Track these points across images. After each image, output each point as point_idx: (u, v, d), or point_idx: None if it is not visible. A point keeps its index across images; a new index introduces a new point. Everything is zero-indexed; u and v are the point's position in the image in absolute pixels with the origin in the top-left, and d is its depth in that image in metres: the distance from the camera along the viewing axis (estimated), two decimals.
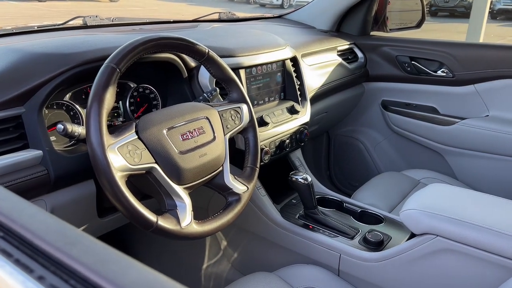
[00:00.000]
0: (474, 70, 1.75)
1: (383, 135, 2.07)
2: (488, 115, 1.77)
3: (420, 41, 1.89)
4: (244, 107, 1.09)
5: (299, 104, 1.45)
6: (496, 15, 14.16)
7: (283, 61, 1.44)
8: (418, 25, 2.09)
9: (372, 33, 2.04)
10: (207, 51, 1.02)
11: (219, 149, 1.00)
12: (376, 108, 2.05)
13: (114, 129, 0.86)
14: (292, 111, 1.42)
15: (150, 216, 0.83)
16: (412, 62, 1.89)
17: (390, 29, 2.02)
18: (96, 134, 0.79)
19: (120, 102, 1.11)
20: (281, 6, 18.35)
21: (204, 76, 1.18)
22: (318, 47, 1.73)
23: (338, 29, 2.03)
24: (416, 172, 1.77)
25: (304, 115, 1.46)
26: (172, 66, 1.15)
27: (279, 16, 2.15)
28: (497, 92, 1.73)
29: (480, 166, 1.79)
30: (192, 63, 1.19)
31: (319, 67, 1.70)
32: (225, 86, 1.09)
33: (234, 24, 1.89)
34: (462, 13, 14.15)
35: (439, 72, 1.84)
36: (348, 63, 1.88)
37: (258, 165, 1.09)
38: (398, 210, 1.50)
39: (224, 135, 1.03)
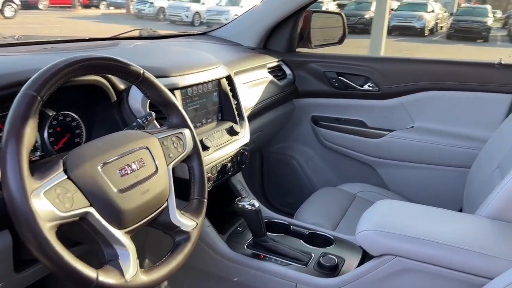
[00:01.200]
0: (398, 83, 1.82)
1: (315, 150, 2.07)
2: (413, 126, 1.84)
3: (346, 57, 1.92)
4: (187, 132, 0.98)
5: (238, 125, 1.38)
6: (391, 31, 15.49)
7: (219, 80, 1.36)
8: (340, 41, 2.14)
9: (298, 49, 2.04)
10: (142, 72, 0.90)
11: (163, 182, 0.88)
12: (306, 124, 2.05)
13: (34, 168, 0.71)
14: (232, 132, 1.34)
15: (89, 272, 0.68)
16: (339, 77, 1.92)
17: (314, 46, 2.04)
18: (16, 178, 0.63)
19: (37, 133, 0.94)
20: (192, 24, 18.34)
21: (135, 100, 1.06)
22: (249, 64, 1.68)
23: (265, 46, 2.00)
24: (351, 186, 1.78)
25: (244, 135, 1.39)
26: (97, 89, 1.01)
27: (204, 33, 2.07)
28: (420, 104, 1.81)
29: (409, 176, 1.85)
30: (121, 85, 1.06)
31: (252, 85, 1.64)
32: (163, 110, 0.98)
33: (157, 41, 1.77)
34: (362, 30, 15.29)
35: (366, 87, 1.89)
36: (278, 80, 1.86)
37: (206, 196, 0.99)
38: (342, 227, 1.48)
39: (167, 166, 0.91)
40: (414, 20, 16.87)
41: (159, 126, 1.08)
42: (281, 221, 1.36)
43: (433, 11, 18.41)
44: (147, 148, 0.87)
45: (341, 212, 1.57)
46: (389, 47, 9.48)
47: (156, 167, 0.87)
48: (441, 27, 20.06)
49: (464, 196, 1.59)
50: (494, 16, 19.59)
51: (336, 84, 1.93)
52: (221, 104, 1.38)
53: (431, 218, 1.08)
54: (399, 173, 1.87)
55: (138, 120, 0.99)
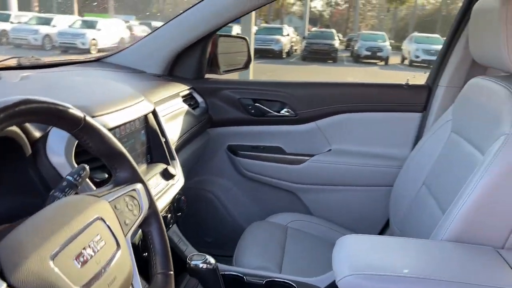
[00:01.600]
0: (314, 107, 1.80)
1: (234, 182, 1.94)
2: (330, 149, 1.84)
3: (261, 83, 1.85)
4: (140, 187, 0.77)
5: (171, 166, 1.18)
6: (253, 54, 16.28)
7: (145, 115, 1.15)
8: (246, 66, 2.06)
9: (206, 76, 1.90)
10: (83, 116, 0.67)
11: (127, 261, 0.66)
12: (222, 154, 1.91)
13: None
14: (167, 176, 1.13)
15: None
16: (256, 104, 1.83)
17: (223, 71, 1.93)
18: None
19: None
20: (42, 47, 16.78)
21: (57, 151, 0.81)
22: (163, 93, 1.48)
23: (170, 72, 1.81)
24: (279, 217, 1.69)
25: (179, 178, 1.19)
26: (3, 141, 0.74)
27: (97, 60, 1.79)
28: (335, 126, 1.82)
29: (333, 199, 1.84)
30: (36, 133, 0.80)
31: (172, 117, 1.45)
32: (108, 163, 0.75)
33: (45, 71, 1.46)
34: None
35: (283, 112, 1.83)
36: (192, 109, 1.69)
37: (172, 268, 0.78)
38: (287, 266, 1.38)
39: (125, 236, 0.69)
40: (273, 43, 18.02)
41: (92, 185, 0.84)
42: (232, 273, 1.19)
43: (288, 34, 19.94)
44: (101, 219, 0.64)
45: (281, 249, 1.46)
46: (254, 70, 9.93)
47: (117, 242, 0.65)
48: (296, 49, 21.84)
49: (391, 214, 1.63)
50: (339, 39, 22.12)
51: (253, 111, 1.83)
52: (149, 143, 1.17)
53: (403, 250, 1.03)
54: (322, 197, 1.85)
55: (68, 177, 0.74)
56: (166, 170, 1.14)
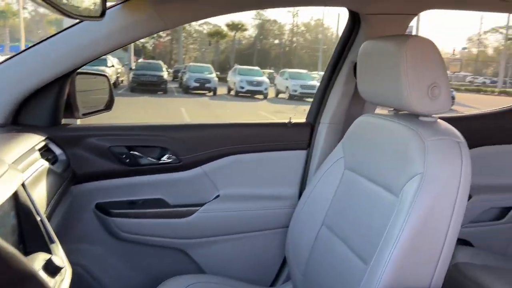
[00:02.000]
0: (198, 152, 1.63)
1: (108, 248, 1.60)
2: (219, 195, 1.69)
3: (137, 127, 1.60)
4: None
5: (54, 254, 0.86)
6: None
7: (16, 190, 0.82)
8: (108, 106, 1.77)
9: (64, 121, 1.55)
10: None
11: None
12: (90, 215, 1.57)
13: None
14: (52, 270, 0.81)
15: None
16: (131, 152, 1.56)
17: (83, 114, 1.61)
18: None
19: None
20: None
21: None
22: (17, 150, 1.12)
23: (16, 120, 1.42)
24: (171, 284, 1.44)
25: (66, 268, 0.88)
26: None
27: None
28: (222, 170, 1.68)
29: (225, 251, 1.68)
30: None
31: (33, 181, 1.11)
32: None
33: None
34: None
35: (164, 159, 1.61)
36: (52, 165, 1.34)
37: None
38: None
39: None
40: None
41: None
42: None
43: (113, 65, 19.09)
44: None
45: None
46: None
47: None
48: (122, 80, 21.06)
49: (290, 256, 1.55)
50: (168, 71, 22.22)
51: (127, 160, 1.56)
52: (21, 227, 0.83)
53: None
54: (215, 250, 1.67)
55: None
56: (50, 262, 0.82)
